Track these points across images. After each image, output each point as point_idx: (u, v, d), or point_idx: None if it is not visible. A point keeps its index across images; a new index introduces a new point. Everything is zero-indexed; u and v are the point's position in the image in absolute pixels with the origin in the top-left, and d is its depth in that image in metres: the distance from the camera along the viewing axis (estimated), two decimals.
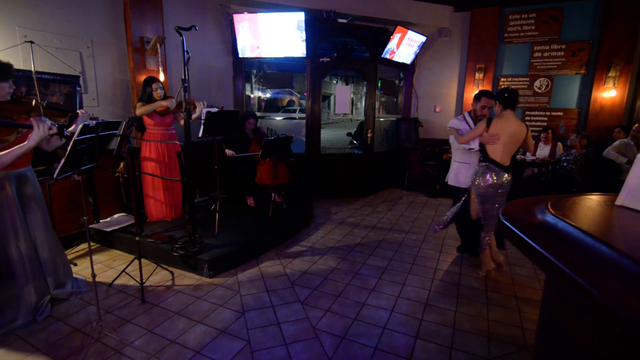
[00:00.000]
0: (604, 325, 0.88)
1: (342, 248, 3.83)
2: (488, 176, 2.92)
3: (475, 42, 6.24)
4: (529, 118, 6.14)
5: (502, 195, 2.96)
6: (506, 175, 2.93)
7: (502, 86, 6.24)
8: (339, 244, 3.94)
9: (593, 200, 1.33)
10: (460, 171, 3.36)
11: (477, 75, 6.24)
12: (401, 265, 3.43)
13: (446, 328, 2.44)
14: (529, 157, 5.45)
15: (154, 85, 3.72)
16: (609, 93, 5.40)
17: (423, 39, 6.22)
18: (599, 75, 5.47)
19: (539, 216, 1.17)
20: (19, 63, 3.19)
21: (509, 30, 6.07)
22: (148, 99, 3.72)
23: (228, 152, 4.44)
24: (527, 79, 6.06)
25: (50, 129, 2.02)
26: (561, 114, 5.93)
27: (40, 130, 1.99)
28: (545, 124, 5.92)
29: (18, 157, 2.05)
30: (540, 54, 5.92)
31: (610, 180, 4.74)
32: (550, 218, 1.10)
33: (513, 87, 6.16)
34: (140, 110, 3.64)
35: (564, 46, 5.75)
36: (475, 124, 3.20)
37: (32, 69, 2.99)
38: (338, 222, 4.72)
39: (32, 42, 3.20)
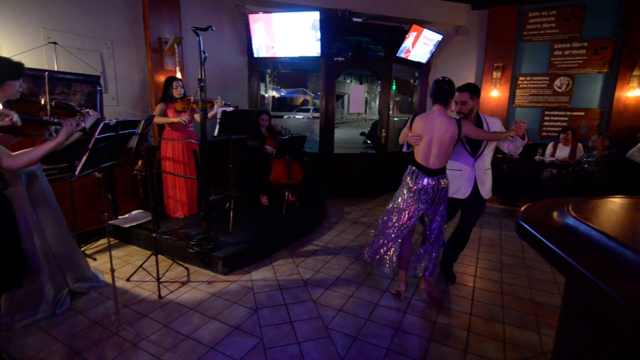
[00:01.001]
0: (627, 332, 0.85)
1: (355, 248, 3.82)
2: (408, 179, 2.66)
3: (493, 40, 6.12)
4: (548, 118, 5.98)
5: (428, 202, 2.59)
6: (429, 179, 2.56)
7: (521, 85, 6.11)
8: (352, 244, 3.93)
9: (616, 203, 1.29)
10: None
11: (494, 74, 6.11)
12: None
13: (460, 331, 2.41)
14: (547, 158, 5.31)
15: (174, 84, 3.85)
16: (634, 92, 5.21)
17: (439, 37, 6.13)
18: (622, 73, 5.28)
19: (559, 219, 1.14)
20: (42, 63, 3.30)
21: (528, 28, 5.92)
22: (170, 99, 3.85)
23: (269, 148, 4.52)
24: (547, 77, 5.90)
25: (77, 125, 2.12)
26: (582, 114, 5.75)
27: (69, 126, 2.10)
28: (565, 124, 5.76)
29: (49, 151, 2.12)
30: (560, 52, 5.76)
31: (633, 183, 4.59)
32: (571, 221, 1.07)
33: (532, 86, 6.03)
34: (156, 119, 3.77)
35: (585, 44, 5.58)
36: None
37: (55, 69, 3.09)
38: (351, 222, 4.71)
39: (55, 43, 3.31)
